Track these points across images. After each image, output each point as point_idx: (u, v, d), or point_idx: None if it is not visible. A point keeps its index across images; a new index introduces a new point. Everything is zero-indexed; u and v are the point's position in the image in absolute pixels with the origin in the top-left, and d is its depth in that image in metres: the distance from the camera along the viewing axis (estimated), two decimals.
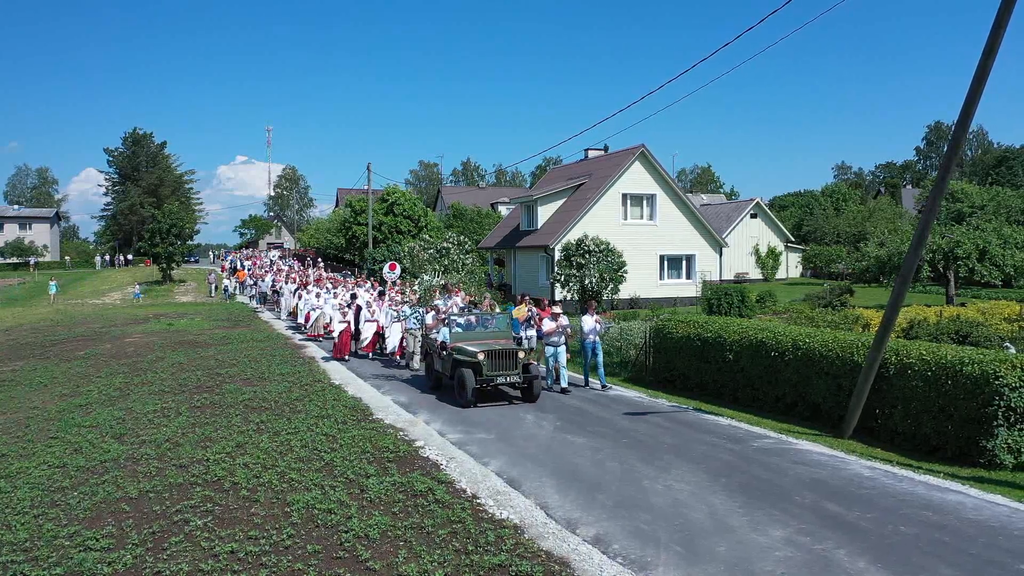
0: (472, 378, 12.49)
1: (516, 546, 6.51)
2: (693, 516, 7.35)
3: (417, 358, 16.81)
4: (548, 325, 14.54)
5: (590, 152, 39.13)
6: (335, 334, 18.61)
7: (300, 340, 21.77)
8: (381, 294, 20.77)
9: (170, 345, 20.62)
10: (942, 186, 10.28)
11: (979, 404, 9.17)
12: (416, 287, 17.99)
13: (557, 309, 14.77)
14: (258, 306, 32.39)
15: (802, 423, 11.71)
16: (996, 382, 8.99)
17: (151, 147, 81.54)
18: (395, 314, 17.78)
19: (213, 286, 42.90)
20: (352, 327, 18.69)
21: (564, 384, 14.30)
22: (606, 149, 39.58)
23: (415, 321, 16.61)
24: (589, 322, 14.75)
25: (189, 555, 6.37)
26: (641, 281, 32.65)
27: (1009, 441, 9.13)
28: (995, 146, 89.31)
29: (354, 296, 20.46)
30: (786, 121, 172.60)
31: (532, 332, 15.47)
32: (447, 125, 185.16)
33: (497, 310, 16.67)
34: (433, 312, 15.59)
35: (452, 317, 14.15)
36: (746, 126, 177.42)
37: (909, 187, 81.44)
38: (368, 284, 25.94)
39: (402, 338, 17.69)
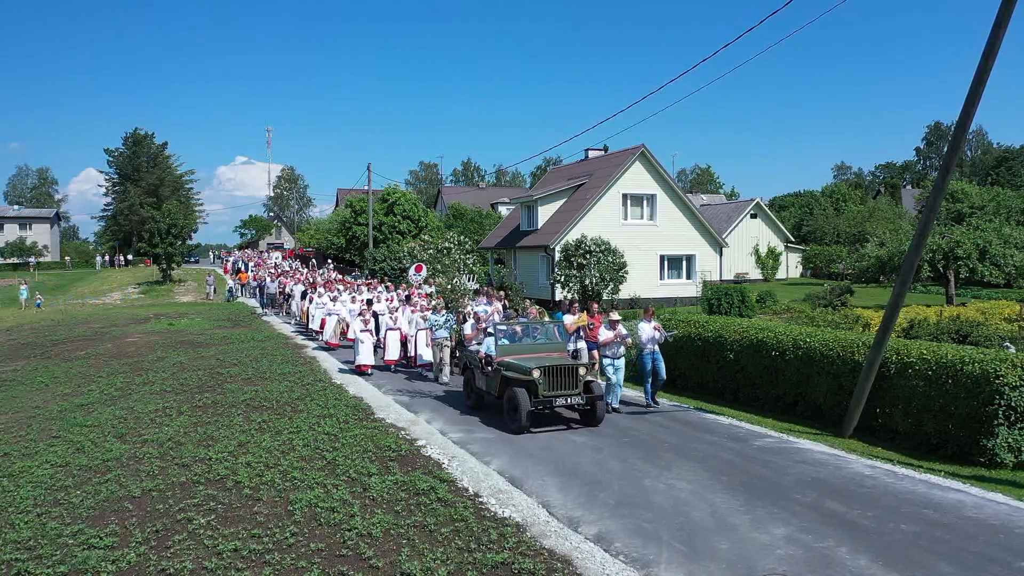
0: (526, 399, 10.68)
1: (518, 544, 6.53)
2: (694, 515, 7.37)
3: (446, 371, 15.33)
4: (605, 335, 12.60)
5: (590, 152, 39.17)
6: (359, 354, 16.19)
7: (313, 348, 20.07)
8: (407, 299, 18.54)
9: (171, 345, 20.63)
10: (942, 186, 10.31)
11: (979, 403, 9.20)
12: (446, 289, 16.00)
13: (615, 316, 12.79)
14: (264, 310, 30.80)
15: (803, 422, 11.74)
16: (996, 381, 9.02)
17: (151, 147, 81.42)
18: (421, 321, 16.06)
19: (212, 288, 42.75)
20: (373, 336, 16.83)
21: (616, 403, 12.53)
22: (606, 149, 39.64)
23: (446, 330, 15.01)
24: (647, 330, 12.82)
25: (192, 553, 6.39)
26: (641, 281, 32.68)
27: (1009, 440, 9.16)
28: (995, 146, 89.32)
29: (369, 302, 18.73)
30: (786, 121, 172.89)
31: (583, 343, 13.44)
32: (447, 125, 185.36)
33: (545, 319, 14.58)
34: (472, 320, 13.90)
35: (497, 326, 12.39)
36: (746, 126, 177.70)
37: (909, 187, 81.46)
38: (382, 287, 24.16)
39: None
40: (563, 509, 7.57)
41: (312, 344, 21.04)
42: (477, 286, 17.03)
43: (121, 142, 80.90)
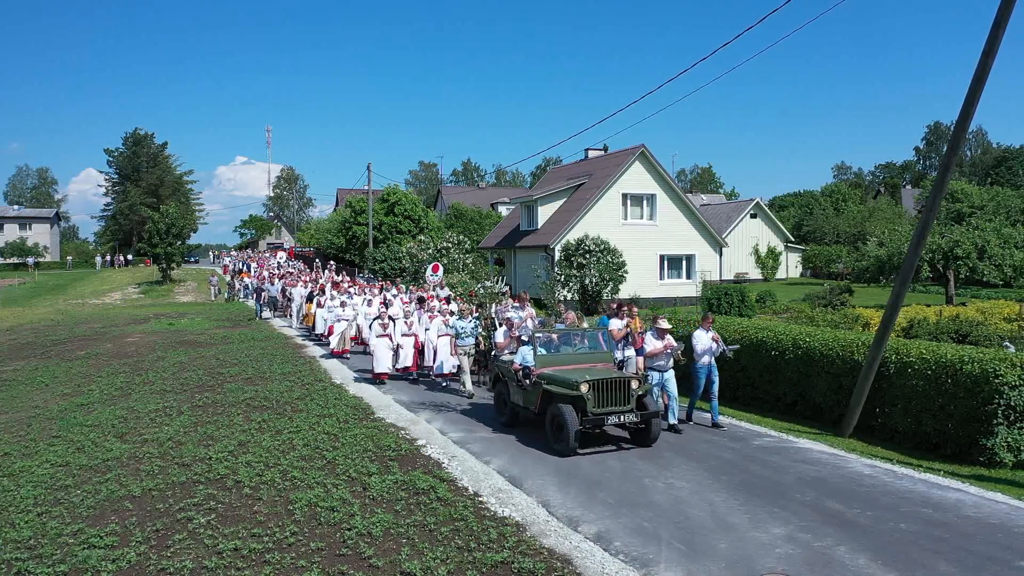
0: (574, 418, 9.46)
1: (518, 544, 6.54)
2: (694, 514, 7.38)
3: (468, 380, 13.80)
4: (654, 344, 11.17)
5: (590, 152, 39.19)
6: (376, 361, 15.01)
7: (321, 355, 18.55)
8: (420, 301, 17.06)
9: (171, 345, 20.64)
10: (942, 185, 10.32)
11: (979, 402, 9.21)
12: (478, 291, 14.33)
13: (664, 323, 11.36)
14: (268, 314, 29.08)
15: (802, 422, 11.74)
16: (996, 380, 9.03)
17: (151, 147, 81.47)
18: (443, 327, 14.61)
19: (216, 288, 42.51)
20: (392, 342, 15.24)
21: (674, 420, 11.06)
22: (606, 149, 39.64)
23: (472, 337, 13.78)
24: (704, 339, 11.41)
25: (192, 552, 6.40)
26: (641, 281, 32.70)
27: (1009, 439, 9.16)
28: (995, 146, 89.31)
29: (387, 305, 17.09)
30: (786, 121, 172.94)
31: (630, 352, 11.86)
32: (447, 125, 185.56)
33: (584, 324, 12.84)
34: (504, 327, 12.66)
35: (536, 334, 11.13)
36: (746, 126, 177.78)
37: (909, 187, 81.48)
38: (393, 289, 22.17)
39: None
40: (563, 508, 7.57)
41: (320, 350, 19.45)
42: (506, 288, 15.25)
43: (121, 142, 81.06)
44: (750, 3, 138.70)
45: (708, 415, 11.58)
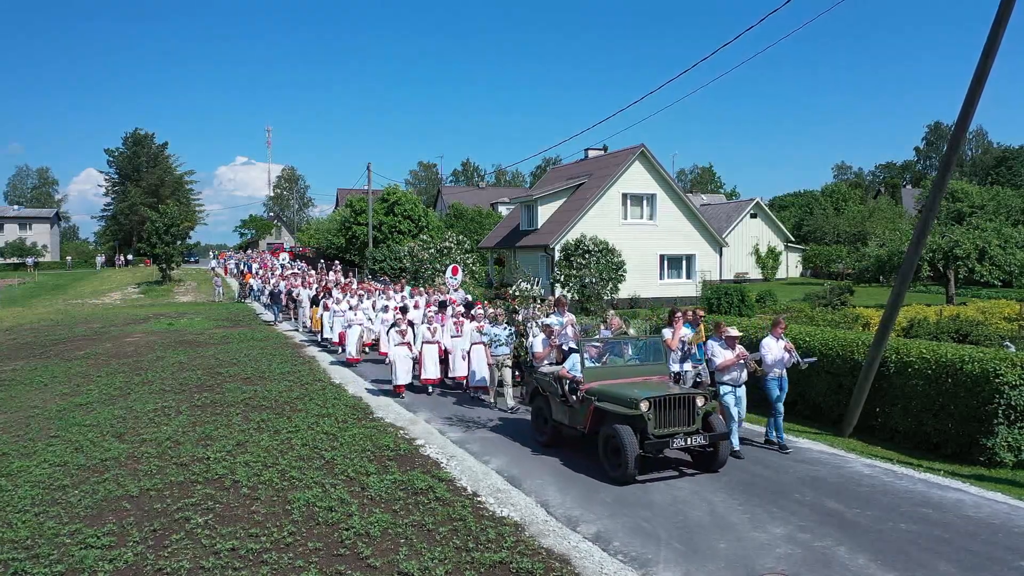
0: (633, 440, 8.22)
1: (517, 544, 6.52)
2: (693, 514, 7.36)
3: (509, 393, 12.53)
4: (724, 355, 9.80)
5: (590, 152, 39.17)
6: (395, 372, 13.58)
7: (332, 362, 17.41)
8: (442, 306, 15.66)
9: (170, 344, 20.62)
10: (942, 185, 10.30)
11: (979, 402, 9.18)
12: (514, 294, 13.09)
13: (734, 331, 10.03)
14: (274, 317, 27.68)
15: (802, 422, 11.72)
16: (996, 380, 9.00)
17: (152, 148, 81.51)
18: (477, 334, 13.22)
19: (220, 289, 42.29)
20: (412, 351, 13.90)
21: (736, 444, 9.59)
22: (605, 149, 39.62)
23: (508, 347, 12.59)
24: (775, 349, 9.98)
25: (190, 552, 6.39)
26: (641, 281, 32.69)
27: (1009, 439, 9.14)
28: (995, 146, 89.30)
29: (405, 309, 15.68)
30: (786, 121, 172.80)
31: (688, 365, 10.56)
32: (447, 125, 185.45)
33: (631, 331, 11.46)
34: (543, 336, 11.40)
35: (588, 343, 9.96)
36: (746, 126, 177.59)
37: (909, 187, 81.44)
38: (406, 291, 20.83)
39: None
40: (562, 508, 7.56)
41: (329, 357, 18.28)
42: (542, 292, 13.70)
43: (121, 142, 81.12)
44: (750, 4, 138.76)
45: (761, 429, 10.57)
